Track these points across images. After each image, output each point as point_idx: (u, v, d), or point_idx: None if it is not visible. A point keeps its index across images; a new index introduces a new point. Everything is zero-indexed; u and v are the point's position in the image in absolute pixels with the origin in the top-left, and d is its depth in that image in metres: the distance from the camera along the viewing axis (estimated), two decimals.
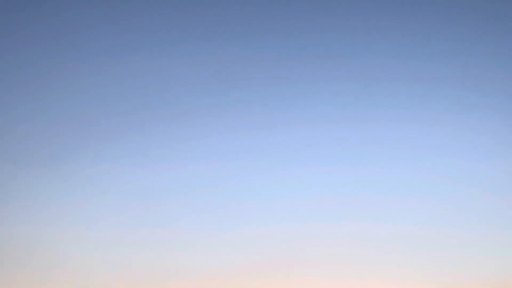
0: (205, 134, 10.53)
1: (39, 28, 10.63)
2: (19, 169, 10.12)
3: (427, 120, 10.50)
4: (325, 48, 10.82)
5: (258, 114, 10.60)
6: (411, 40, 10.80)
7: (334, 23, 10.86)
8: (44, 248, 9.68)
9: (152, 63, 10.73)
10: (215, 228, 9.98)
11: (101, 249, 9.75)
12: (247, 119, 10.59)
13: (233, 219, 10.06)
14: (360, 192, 10.18)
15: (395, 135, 10.51)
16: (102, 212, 10.00)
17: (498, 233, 9.78)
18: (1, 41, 10.47)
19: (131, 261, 9.67)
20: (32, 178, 10.09)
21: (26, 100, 10.48)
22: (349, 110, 10.58)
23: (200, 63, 10.73)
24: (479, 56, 10.67)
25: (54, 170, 10.19)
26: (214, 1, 10.88)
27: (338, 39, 10.84)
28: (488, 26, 10.70)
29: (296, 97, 10.68)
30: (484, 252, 9.68)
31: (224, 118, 10.59)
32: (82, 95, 10.59)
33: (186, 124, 10.57)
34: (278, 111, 10.64)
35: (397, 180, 10.24)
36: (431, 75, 10.67)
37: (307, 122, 10.57)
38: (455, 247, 9.75)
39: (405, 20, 10.83)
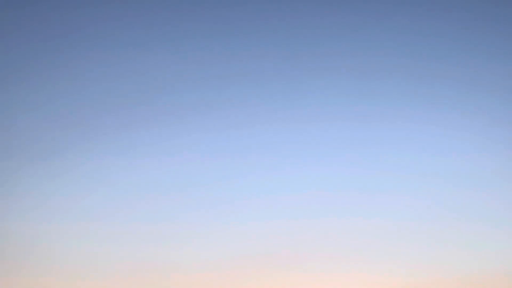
0: (206, 130, 10.65)
1: (40, 25, 10.75)
2: (18, 164, 10.22)
3: (422, 119, 10.62)
4: (323, 47, 10.90)
5: (259, 111, 10.71)
6: (407, 40, 10.90)
7: (333, 21, 10.95)
8: (44, 244, 9.77)
9: (153, 60, 10.82)
10: (215, 223, 10.09)
11: (100, 244, 9.84)
12: (249, 116, 10.71)
13: (233, 214, 10.17)
14: (357, 189, 10.29)
15: (391, 133, 10.64)
16: (101, 207, 10.12)
17: (491, 229, 9.92)
18: (1, 38, 10.63)
19: (130, 255, 9.77)
20: (30, 173, 10.20)
21: (26, 96, 10.59)
22: (349, 109, 10.72)
23: (203, 60, 10.84)
24: (472, 55, 10.79)
25: (53, 166, 10.29)
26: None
27: (337, 37, 10.93)
28: (484, 26, 10.79)
29: (297, 95, 10.79)
30: (477, 248, 9.83)
31: (226, 114, 10.71)
32: (81, 92, 10.71)
33: (187, 120, 10.69)
34: (280, 108, 10.77)
35: (395, 177, 10.37)
36: (425, 75, 10.78)
37: (308, 119, 10.71)
38: (450, 242, 9.88)
39: (402, 19, 10.93)
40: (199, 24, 10.88)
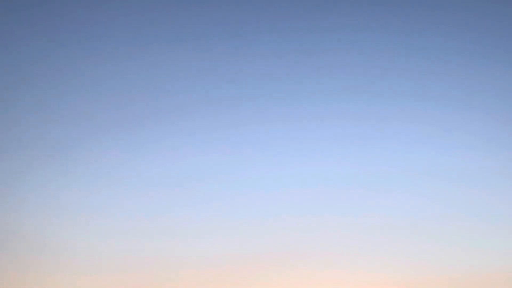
0: (209, 127, 10.74)
1: (52, 22, 10.85)
2: (26, 160, 10.35)
3: (424, 118, 10.73)
4: (326, 44, 10.98)
5: (262, 109, 10.80)
6: (412, 39, 10.94)
7: (334, 19, 11.01)
8: (53, 239, 9.86)
9: (158, 58, 10.91)
10: (220, 219, 10.18)
11: (106, 239, 9.95)
12: (252, 113, 10.78)
13: (238, 210, 10.25)
14: (361, 187, 10.37)
15: (394, 131, 10.73)
16: (107, 202, 10.22)
17: (491, 228, 9.98)
18: (17, 36, 10.76)
19: (137, 251, 9.88)
20: (39, 169, 10.30)
21: (36, 93, 10.70)
22: (353, 106, 10.81)
23: (209, 58, 10.91)
24: (468, 55, 10.84)
25: (61, 161, 10.40)
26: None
27: (340, 36, 10.99)
28: (481, 25, 10.84)
29: (302, 92, 10.86)
30: (478, 246, 9.90)
31: (228, 111, 10.78)
32: (90, 88, 10.84)
33: (192, 116, 10.75)
34: (283, 105, 10.83)
35: (398, 176, 10.45)
36: (429, 73, 10.83)
37: (312, 116, 10.79)
38: (453, 241, 9.96)
39: (404, 18, 10.98)
40: (211, 21, 11.00)
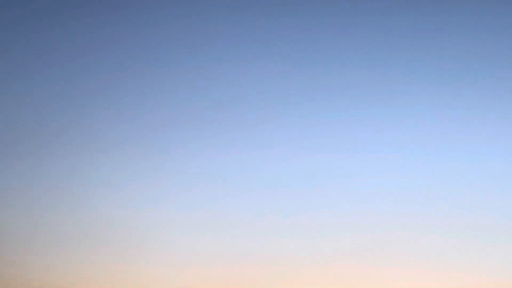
0: (306, 129, 10.81)
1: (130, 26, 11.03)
2: (115, 153, 10.50)
3: (448, 123, 10.79)
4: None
5: (319, 112, 10.83)
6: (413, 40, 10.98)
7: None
8: (145, 232, 10.04)
9: (243, 60, 10.96)
10: (322, 215, 10.28)
11: (190, 233, 10.11)
12: (336, 114, 10.86)
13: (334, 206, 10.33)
14: (434, 187, 10.40)
15: (463, 134, 10.72)
16: (191, 196, 10.36)
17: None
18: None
19: (213, 245, 10.03)
20: (127, 162, 10.47)
21: (155, 93, 10.92)
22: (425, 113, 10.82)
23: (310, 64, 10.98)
24: (484, 57, 10.83)
25: (149, 155, 10.55)
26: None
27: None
28: (488, 25, 10.90)
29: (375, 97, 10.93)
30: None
31: (311, 114, 10.85)
32: (167, 86, 10.97)
33: (286, 117, 10.87)
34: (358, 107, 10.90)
35: (466, 174, 10.50)
36: (446, 77, 10.88)
37: (383, 120, 10.83)
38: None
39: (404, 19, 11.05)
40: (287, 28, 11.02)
